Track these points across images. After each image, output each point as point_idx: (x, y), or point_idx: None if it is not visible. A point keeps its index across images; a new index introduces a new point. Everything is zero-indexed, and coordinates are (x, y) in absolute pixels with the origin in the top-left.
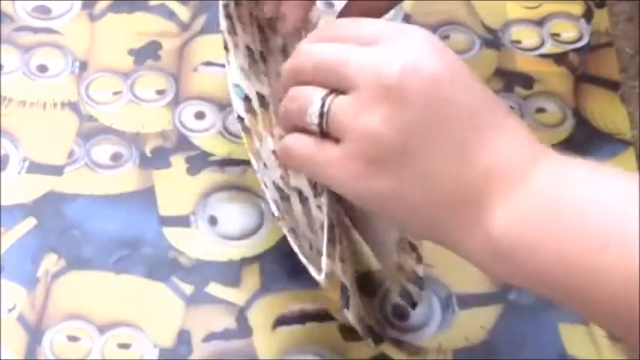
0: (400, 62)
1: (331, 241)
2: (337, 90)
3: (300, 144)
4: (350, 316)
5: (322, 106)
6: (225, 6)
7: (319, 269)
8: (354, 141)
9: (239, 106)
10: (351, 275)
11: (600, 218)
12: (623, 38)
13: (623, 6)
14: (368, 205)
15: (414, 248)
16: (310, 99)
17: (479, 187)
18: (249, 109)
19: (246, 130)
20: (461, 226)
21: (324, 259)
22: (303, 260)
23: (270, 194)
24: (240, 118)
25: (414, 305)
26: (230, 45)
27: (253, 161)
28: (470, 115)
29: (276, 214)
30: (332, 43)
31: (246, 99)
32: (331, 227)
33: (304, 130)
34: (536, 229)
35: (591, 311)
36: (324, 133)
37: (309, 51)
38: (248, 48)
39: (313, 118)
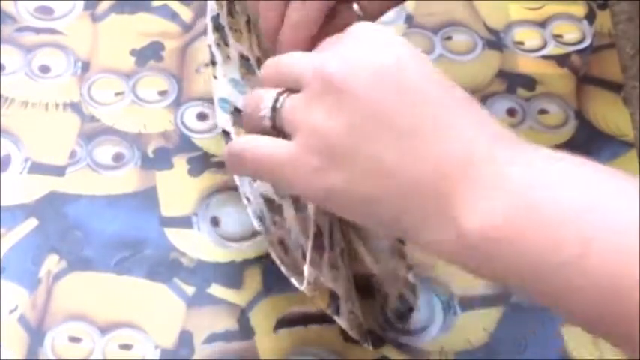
0: (340, 56)
1: (318, 248)
2: (292, 90)
3: (253, 145)
4: (342, 322)
5: (275, 101)
6: (215, 18)
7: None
8: (304, 137)
9: (224, 121)
10: (345, 281)
11: (579, 222)
12: (623, 38)
13: (623, 6)
14: (325, 204)
15: (402, 256)
16: (264, 97)
17: (437, 179)
18: (238, 122)
19: None
20: (423, 220)
21: (306, 267)
22: (284, 271)
23: (252, 208)
24: (226, 133)
25: (410, 310)
26: (218, 59)
27: (236, 178)
28: (423, 103)
29: (259, 228)
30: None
31: (236, 111)
32: (319, 234)
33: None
34: (510, 227)
35: (566, 311)
36: (278, 130)
37: (272, 61)
38: (243, 57)
39: (266, 112)
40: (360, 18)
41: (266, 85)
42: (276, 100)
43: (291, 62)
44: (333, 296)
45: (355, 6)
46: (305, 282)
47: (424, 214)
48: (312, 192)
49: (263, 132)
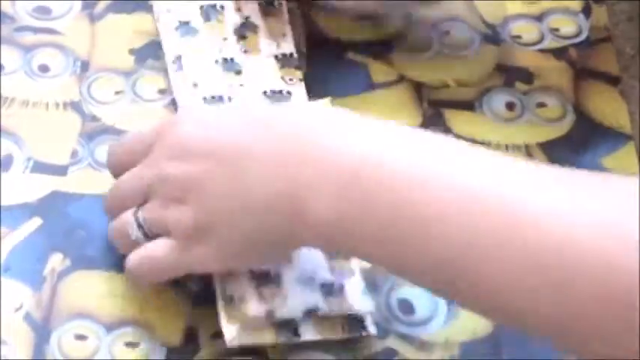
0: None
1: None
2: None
3: (142, 256)
4: (319, 336)
5: (136, 221)
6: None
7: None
8: (174, 230)
9: None
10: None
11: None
12: (623, 38)
13: (623, 6)
14: (210, 270)
15: None
16: (125, 224)
17: (288, 200)
18: None
19: None
20: (286, 235)
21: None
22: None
23: None
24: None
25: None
26: None
27: None
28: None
29: None
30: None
31: None
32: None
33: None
34: (343, 222)
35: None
36: (153, 237)
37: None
38: None
39: (137, 234)
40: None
41: (116, 209)
42: (136, 219)
43: (129, 183)
44: (285, 326)
45: None
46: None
47: (284, 230)
48: (184, 268)
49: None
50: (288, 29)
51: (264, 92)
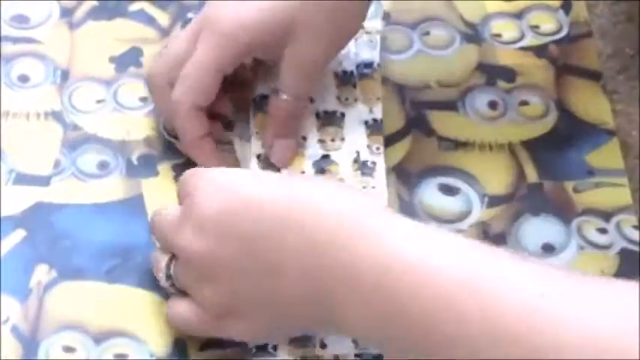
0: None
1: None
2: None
3: (173, 312)
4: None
5: (167, 268)
6: None
7: None
8: (195, 297)
9: None
10: None
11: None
12: (623, 38)
13: (622, 6)
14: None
15: None
16: (159, 263)
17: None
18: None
19: None
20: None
21: None
22: None
23: None
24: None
25: None
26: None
27: None
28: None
29: None
30: None
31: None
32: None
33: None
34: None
35: None
36: (178, 290)
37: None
38: None
39: (162, 279)
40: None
41: (155, 238)
42: (168, 267)
43: (165, 225)
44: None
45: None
46: None
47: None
48: (219, 335)
49: None
50: (380, 92)
51: (355, 160)
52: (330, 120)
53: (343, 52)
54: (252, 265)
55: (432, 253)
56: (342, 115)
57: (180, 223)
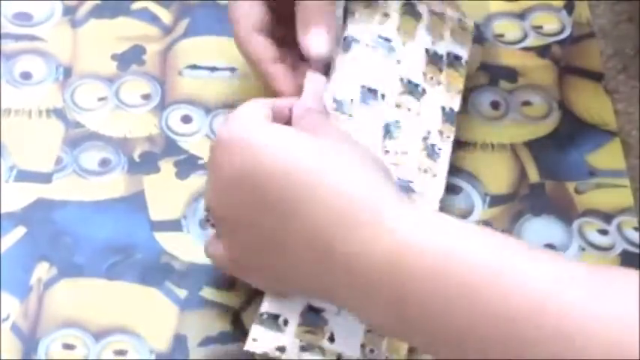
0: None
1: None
2: None
3: (206, 246)
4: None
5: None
6: None
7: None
8: (227, 248)
9: None
10: None
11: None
12: (623, 38)
13: (623, 6)
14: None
15: None
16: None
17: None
18: None
19: None
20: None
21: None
22: None
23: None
24: None
25: None
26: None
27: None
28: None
29: None
30: None
31: None
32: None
33: None
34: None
35: None
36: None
37: None
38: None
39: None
40: None
41: None
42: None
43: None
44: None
45: None
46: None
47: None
48: (246, 280)
49: None
50: (462, 87)
51: (424, 138)
52: (411, 90)
53: (436, 34)
54: (263, 218)
55: (450, 239)
56: (424, 90)
57: (209, 177)
